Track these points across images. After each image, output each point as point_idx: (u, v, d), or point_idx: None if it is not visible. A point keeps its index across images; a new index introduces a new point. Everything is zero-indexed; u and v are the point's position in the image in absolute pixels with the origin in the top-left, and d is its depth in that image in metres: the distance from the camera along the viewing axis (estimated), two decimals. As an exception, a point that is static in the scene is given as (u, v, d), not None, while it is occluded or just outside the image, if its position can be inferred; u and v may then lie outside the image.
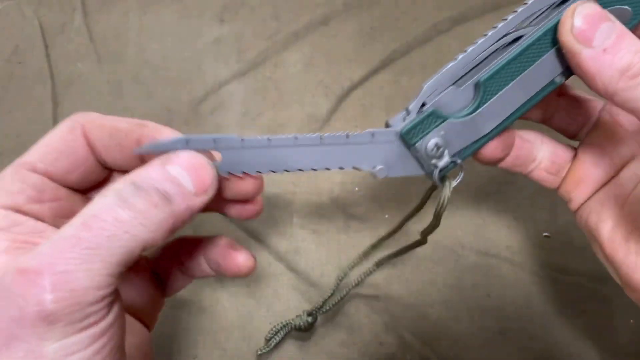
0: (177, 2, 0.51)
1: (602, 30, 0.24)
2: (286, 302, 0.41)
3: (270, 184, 0.44)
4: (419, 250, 0.42)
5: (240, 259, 0.29)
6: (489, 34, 0.27)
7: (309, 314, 0.38)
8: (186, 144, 0.23)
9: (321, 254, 0.42)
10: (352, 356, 0.39)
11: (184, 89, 0.48)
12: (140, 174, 0.22)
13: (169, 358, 0.39)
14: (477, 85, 0.26)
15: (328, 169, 0.26)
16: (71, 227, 0.20)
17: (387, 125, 0.27)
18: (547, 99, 0.29)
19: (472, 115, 0.26)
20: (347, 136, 0.26)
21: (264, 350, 0.38)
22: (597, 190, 0.30)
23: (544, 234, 0.42)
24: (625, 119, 0.30)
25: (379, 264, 0.40)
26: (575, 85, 0.31)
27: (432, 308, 0.41)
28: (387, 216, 0.43)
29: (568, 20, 0.24)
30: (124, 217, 0.20)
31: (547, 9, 0.27)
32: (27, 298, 0.19)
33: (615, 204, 0.29)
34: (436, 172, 0.27)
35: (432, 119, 0.26)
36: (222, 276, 0.31)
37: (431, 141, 0.26)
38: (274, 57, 0.49)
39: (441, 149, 0.26)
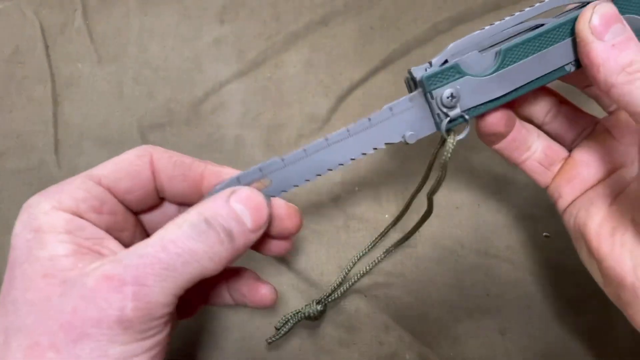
0: (177, 2, 0.51)
1: (614, 29, 0.26)
2: (286, 302, 0.41)
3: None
4: (419, 250, 0.42)
5: (265, 291, 0.31)
6: (516, 14, 0.29)
7: (318, 302, 0.38)
8: (238, 182, 0.27)
9: (321, 254, 0.42)
10: (352, 356, 0.39)
11: (184, 89, 0.48)
12: (210, 209, 0.24)
13: (169, 358, 0.39)
14: (497, 53, 0.29)
15: (365, 154, 0.29)
16: (151, 247, 0.23)
17: (410, 73, 0.30)
18: (551, 103, 0.32)
19: (489, 76, 0.28)
20: (370, 120, 0.29)
21: (273, 339, 0.38)
22: (587, 190, 0.32)
23: (544, 234, 0.42)
24: (618, 133, 0.32)
25: (388, 252, 0.41)
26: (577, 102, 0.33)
27: (432, 308, 0.41)
28: (387, 216, 0.43)
29: (588, 13, 0.27)
30: (197, 249, 0.23)
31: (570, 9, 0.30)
32: (110, 302, 0.21)
33: (604, 202, 0.31)
34: (445, 122, 0.29)
35: (453, 71, 0.28)
36: (242, 306, 0.32)
37: (447, 90, 0.28)
38: (274, 57, 0.49)
39: (454, 100, 0.28)
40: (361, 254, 0.41)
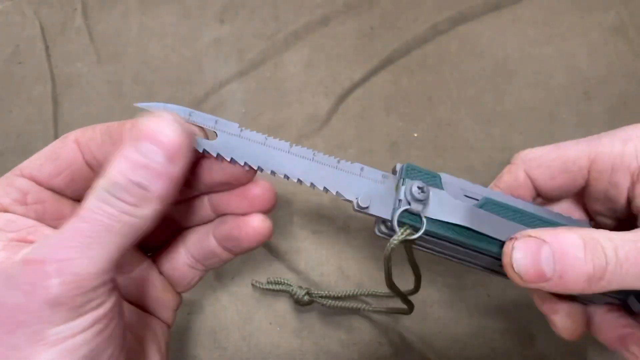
0: (177, 2, 0.51)
1: (545, 261, 0.24)
2: (286, 302, 0.41)
3: (270, 183, 0.44)
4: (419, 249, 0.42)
5: (256, 221, 0.29)
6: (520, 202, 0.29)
7: (307, 293, 0.39)
8: (189, 116, 0.26)
9: (321, 254, 0.42)
10: (352, 356, 0.39)
11: (184, 89, 0.48)
12: (115, 169, 0.22)
13: (170, 358, 0.39)
14: (480, 198, 0.28)
15: (314, 185, 0.27)
16: (69, 222, 0.22)
17: (394, 170, 0.28)
18: None
19: (460, 203, 0.27)
20: (338, 162, 0.27)
21: (258, 285, 0.40)
22: None
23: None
24: None
25: (371, 311, 0.40)
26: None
27: (432, 308, 0.41)
28: (387, 216, 0.43)
29: (514, 276, 0.25)
30: (113, 212, 0.22)
31: None
32: (34, 284, 0.21)
33: None
34: (400, 209, 0.27)
35: (434, 178, 0.28)
36: (239, 253, 0.30)
37: (419, 182, 0.27)
38: (274, 57, 0.49)
39: (422, 195, 0.27)
40: (355, 292, 0.40)
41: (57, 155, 0.26)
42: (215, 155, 0.26)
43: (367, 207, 0.27)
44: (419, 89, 0.48)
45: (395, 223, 0.26)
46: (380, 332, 0.40)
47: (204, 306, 0.41)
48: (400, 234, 0.26)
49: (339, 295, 0.39)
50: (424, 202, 0.27)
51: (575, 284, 0.24)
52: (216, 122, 0.26)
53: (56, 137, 0.46)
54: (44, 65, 0.49)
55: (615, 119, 0.46)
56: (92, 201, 0.22)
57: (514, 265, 0.25)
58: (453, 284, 0.41)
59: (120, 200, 0.22)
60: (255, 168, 0.27)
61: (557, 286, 0.24)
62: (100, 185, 0.22)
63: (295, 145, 0.27)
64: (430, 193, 0.27)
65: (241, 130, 0.26)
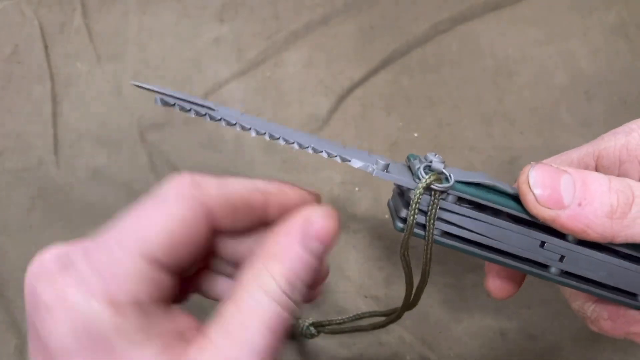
0: (177, 2, 0.51)
1: (565, 186, 0.23)
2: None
3: (270, 184, 0.44)
4: (419, 250, 0.42)
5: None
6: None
7: (314, 325, 0.37)
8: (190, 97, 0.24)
9: (321, 254, 0.42)
10: (352, 356, 0.39)
11: (184, 88, 0.48)
12: (290, 270, 0.21)
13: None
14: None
15: (329, 154, 0.25)
16: (233, 317, 0.21)
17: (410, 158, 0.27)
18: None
19: (470, 172, 0.26)
20: (345, 146, 0.26)
21: None
22: None
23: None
24: None
25: (378, 326, 0.37)
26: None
27: (432, 308, 0.40)
28: (387, 216, 0.43)
29: (528, 194, 0.23)
30: (282, 313, 0.20)
31: None
32: None
33: None
34: (423, 165, 0.25)
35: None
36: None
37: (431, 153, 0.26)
38: (274, 56, 0.49)
39: (440, 157, 0.25)
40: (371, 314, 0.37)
41: (195, 243, 0.22)
42: (219, 118, 0.24)
43: (388, 165, 0.25)
44: (419, 89, 0.48)
45: (421, 171, 0.24)
46: (381, 332, 0.40)
47: (204, 306, 0.41)
48: (428, 177, 0.24)
49: (343, 320, 0.37)
50: (444, 163, 0.25)
51: (595, 218, 0.22)
52: (215, 105, 0.25)
53: (56, 136, 0.46)
54: (43, 65, 0.49)
55: (615, 119, 0.46)
56: (263, 299, 0.20)
57: (530, 182, 0.23)
58: (453, 284, 0.41)
59: (291, 301, 0.21)
60: (264, 133, 0.25)
61: (574, 218, 0.22)
62: (275, 282, 0.20)
63: (300, 131, 0.26)
64: (447, 166, 0.25)
65: (242, 114, 0.25)
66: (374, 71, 0.48)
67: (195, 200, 0.21)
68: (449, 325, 0.40)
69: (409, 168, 0.27)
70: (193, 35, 0.50)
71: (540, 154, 0.45)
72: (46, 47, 0.50)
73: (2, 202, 0.44)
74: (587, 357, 0.39)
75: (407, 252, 0.28)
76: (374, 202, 0.44)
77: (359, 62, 0.48)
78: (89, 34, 0.50)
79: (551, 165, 0.24)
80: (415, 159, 0.27)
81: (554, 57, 0.49)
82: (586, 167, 0.28)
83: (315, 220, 0.22)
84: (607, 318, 0.28)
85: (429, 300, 0.41)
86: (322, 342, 0.40)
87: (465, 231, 0.26)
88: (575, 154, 0.29)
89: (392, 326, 0.40)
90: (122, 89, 0.48)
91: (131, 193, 0.43)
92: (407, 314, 0.40)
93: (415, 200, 0.25)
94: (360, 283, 0.41)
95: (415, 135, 0.46)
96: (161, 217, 0.21)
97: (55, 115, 0.47)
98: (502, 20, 0.50)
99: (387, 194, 0.44)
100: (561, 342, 0.39)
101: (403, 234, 0.26)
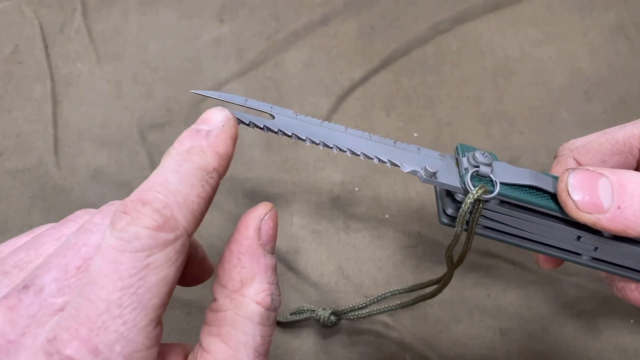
0: (177, 2, 0.51)
1: (603, 191, 0.23)
2: (286, 302, 0.41)
3: (270, 183, 0.44)
4: (419, 250, 0.42)
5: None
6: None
7: (334, 314, 0.38)
8: (245, 102, 0.28)
9: (321, 254, 0.42)
10: (352, 356, 0.39)
11: (184, 88, 0.48)
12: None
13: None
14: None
15: (378, 159, 0.27)
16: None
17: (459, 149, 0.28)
18: None
19: (518, 168, 0.27)
20: (395, 142, 0.28)
21: (282, 319, 0.39)
22: None
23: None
24: None
25: (404, 305, 0.39)
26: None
27: (432, 308, 0.40)
28: (387, 216, 0.43)
29: (569, 201, 0.24)
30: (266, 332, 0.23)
31: None
32: None
33: None
34: (469, 173, 0.26)
35: (490, 154, 0.27)
36: None
37: (480, 151, 0.27)
38: (274, 57, 0.49)
39: (489, 158, 0.26)
40: (394, 290, 0.39)
41: (172, 286, 0.21)
42: (276, 130, 0.27)
43: (435, 173, 0.26)
44: (419, 89, 0.48)
45: (468, 181, 0.26)
46: (381, 332, 0.40)
47: (204, 306, 0.41)
48: (476, 190, 0.25)
49: (362, 305, 0.38)
50: (490, 165, 0.26)
51: (635, 218, 0.23)
52: (271, 107, 0.28)
53: (56, 136, 0.46)
54: (44, 65, 0.49)
55: (615, 119, 0.46)
56: (251, 328, 0.21)
57: (570, 190, 0.24)
58: (453, 284, 0.41)
59: (274, 302, 0.23)
60: (318, 143, 0.27)
61: (614, 221, 0.23)
62: (257, 305, 0.22)
63: (350, 129, 0.28)
64: (493, 162, 0.27)
65: (296, 115, 0.28)
66: (374, 71, 0.48)
67: (176, 250, 0.21)
68: (449, 325, 0.40)
69: (457, 162, 0.28)
70: (193, 35, 0.50)
71: (540, 153, 0.46)
72: (46, 47, 0.50)
73: (2, 202, 0.44)
74: (587, 357, 0.39)
75: (452, 254, 0.30)
76: (374, 202, 0.44)
77: (359, 62, 0.48)
78: (89, 34, 0.50)
79: (588, 170, 0.24)
80: (463, 154, 0.27)
81: (554, 57, 0.49)
82: (631, 149, 0.28)
83: (263, 227, 0.23)
84: (634, 289, 0.29)
85: (430, 300, 0.41)
86: (322, 342, 0.40)
87: (505, 226, 0.27)
88: (619, 134, 0.29)
89: (392, 326, 0.40)
90: (122, 89, 0.48)
91: (131, 193, 0.43)
92: (407, 314, 0.40)
93: (463, 215, 0.26)
94: (360, 283, 0.41)
95: (415, 135, 0.46)
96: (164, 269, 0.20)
97: (55, 115, 0.47)
98: (502, 20, 0.50)
99: (387, 194, 0.44)
100: (561, 342, 0.39)
101: (450, 240, 0.28)
